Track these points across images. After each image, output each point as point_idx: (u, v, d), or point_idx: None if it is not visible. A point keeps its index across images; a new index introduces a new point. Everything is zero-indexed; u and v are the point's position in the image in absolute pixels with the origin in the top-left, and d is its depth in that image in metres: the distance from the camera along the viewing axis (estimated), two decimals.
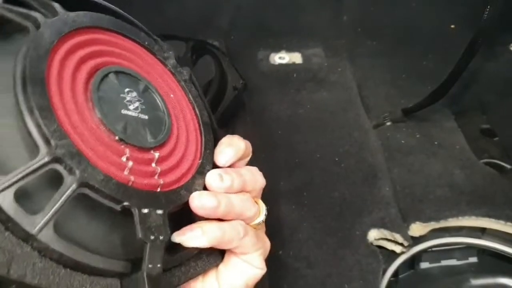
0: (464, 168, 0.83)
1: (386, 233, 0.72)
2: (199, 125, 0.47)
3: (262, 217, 0.44)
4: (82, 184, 0.31)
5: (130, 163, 0.36)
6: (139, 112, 0.39)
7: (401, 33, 1.16)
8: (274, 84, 1.02)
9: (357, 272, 0.70)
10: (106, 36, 0.41)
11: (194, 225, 0.38)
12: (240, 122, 0.92)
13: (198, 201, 0.38)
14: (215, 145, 0.46)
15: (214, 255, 0.44)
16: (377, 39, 1.15)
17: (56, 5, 0.38)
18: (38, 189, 0.31)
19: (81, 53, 0.37)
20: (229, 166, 0.43)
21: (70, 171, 0.31)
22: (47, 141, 0.30)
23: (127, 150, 0.36)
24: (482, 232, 0.74)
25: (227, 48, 1.02)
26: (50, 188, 0.31)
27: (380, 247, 0.74)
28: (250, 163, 0.85)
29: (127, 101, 0.38)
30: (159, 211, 0.35)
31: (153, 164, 0.38)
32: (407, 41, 1.13)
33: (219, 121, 0.81)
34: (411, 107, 0.89)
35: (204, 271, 0.42)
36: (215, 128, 0.49)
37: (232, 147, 0.43)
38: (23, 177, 0.29)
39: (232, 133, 0.88)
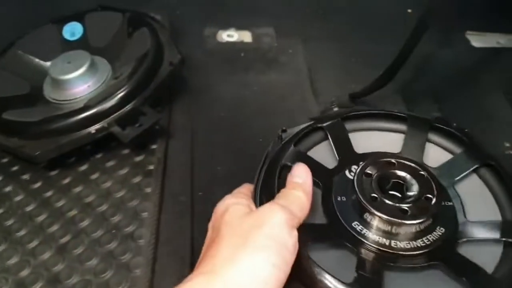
0: None
1: None
2: None
3: None
4: None
5: None
6: None
7: (357, 17, 1.11)
8: (220, 63, 0.96)
9: None
10: None
11: None
12: (179, 101, 0.86)
13: None
14: None
15: None
16: (332, 22, 1.10)
17: None
18: None
19: None
20: None
21: None
22: None
23: None
24: None
25: (170, 22, 0.95)
26: None
27: None
28: (189, 145, 0.79)
29: None
30: None
31: None
32: (362, 25, 1.09)
33: (150, 97, 0.74)
34: (358, 92, 0.84)
35: None
36: None
37: None
38: None
39: (169, 112, 0.84)
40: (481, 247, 0.48)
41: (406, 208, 0.46)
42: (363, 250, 0.46)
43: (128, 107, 0.72)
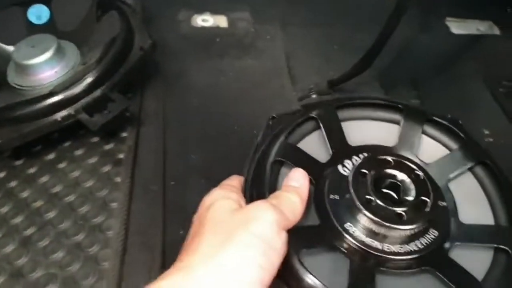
0: None
1: None
2: None
3: None
4: None
5: None
6: None
7: (338, 3, 1.09)
8: (194, 48, 0.93)
9: None
10: None
11: None
12: (151, 88, 0.83)
13: None
14: None
15: None
16: (312, 8, 1.08)
17: None
18: None
19: None
20: None
21: None
22: None
23: None
24: None
25: (143, 6, 0.91)
26: None
27: None
28: (161, 132, 0.76)
29: None
30: None
31: None
32: (343, 11, 1.07)
33: (120, 83, 0.71)
34: (336, 79, 0.82)
35: None
36: None
37: None
38: None
39: (140, 99, 0.81)
40: (473, 252, 0.47)
41: (402, 213, 0.44)
42: (355, 254, 0.44)
43: (96, 93, 0.69)
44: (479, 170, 0.53)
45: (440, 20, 1.05)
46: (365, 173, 0.47)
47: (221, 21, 0.98)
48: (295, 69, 0.93)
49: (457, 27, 1.04)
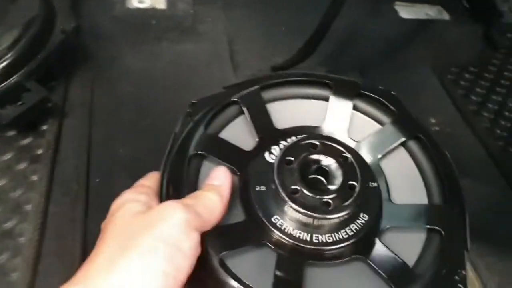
0: None
1: None
2: None
3: None
4: None
5: None
6: None
7: None
8: (128, 31, 0.87)
9: None
10: None
11: None
12: (78, 75, 0.76)
13: None
14: None
15: None
16: None
17: None
18: None
19: None
20: None
21: None
22: None
23: None
24: None
25: None
26: None
27: None
28: (87, 124, 0.70)
29: None
30: None
31: None
32: None
33: (38, 70, 0.64)
34: (280, 64, 0.78)
35: None
36: None
37: None
38: None
39: (64, 88, 0.74)
40: (405, 234, 0.44)
41: (329, 201, 0.41)
42: (283, 248, 0.41)
43: (9, 82, 0.62)
44: (412, 144, 0.50)
45: (388, 4, 1.02)
46: (290, 160, 0.43)
47: (159, 2, 0.91)
48: (238, 54, 0.88)
49: (406, 11, 1.01)
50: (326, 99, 0.53)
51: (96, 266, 0.35)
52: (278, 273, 0.40)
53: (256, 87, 0.52)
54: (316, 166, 0.45)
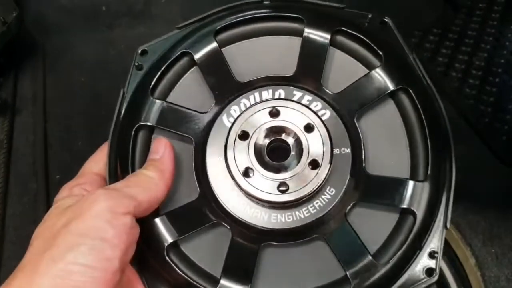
0: None
1: None
2: None
3: None
4: None
5: None
6: None
7: None
8: (78, 20, 0.82)
9: None
10: None
11: None
12: (28, 69, 0.72)
13: None
14: None
15: None
16: None
17: None
18: None
19: None
20: None
21: None
22: None
23: None
24: None
25: None
26: None
27: None
28: (42, 119, 0.66)
29: None
30: None
31: None
32: None
33: None
34: None
35: None
36: None
37: None
38: None
39: (13, 83, 0.69)
40: (376, 212, 0.39)
41: (286, 182, 0.38)
42: (238, 229, 0.38)
43: None
44: (399, 97, 0.42)
45: None
46: (247, 133, 0.39)
47: None
48: None
49: None
50: (300, 34, 0.43)
51: (18, 276, 0.34)
52: (230, 255, 0.37)
53: (210, 28, 0.44)
54: (275, 138, 0.40)
